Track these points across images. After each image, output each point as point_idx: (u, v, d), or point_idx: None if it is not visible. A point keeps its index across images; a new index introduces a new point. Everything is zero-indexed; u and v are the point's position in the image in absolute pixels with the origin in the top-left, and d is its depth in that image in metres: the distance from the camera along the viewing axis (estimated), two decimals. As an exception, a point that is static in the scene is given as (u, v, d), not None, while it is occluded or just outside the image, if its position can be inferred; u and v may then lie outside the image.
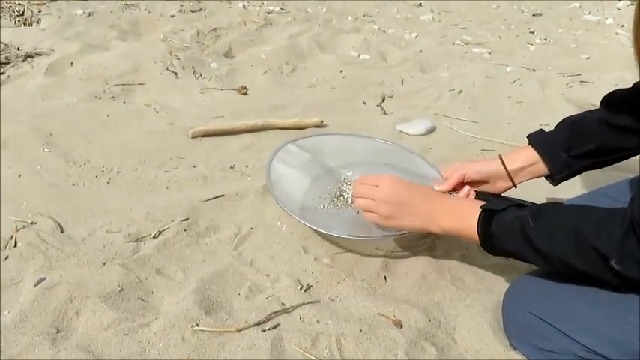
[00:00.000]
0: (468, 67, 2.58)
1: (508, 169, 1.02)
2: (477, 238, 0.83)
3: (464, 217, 0.84)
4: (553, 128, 1.02)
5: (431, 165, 1.18)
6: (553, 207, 0.80)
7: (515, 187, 1.05)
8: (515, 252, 0.82)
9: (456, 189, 1.05)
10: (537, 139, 1.01)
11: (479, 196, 1.03)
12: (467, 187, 1.04)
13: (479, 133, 1.84)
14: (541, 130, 1.04)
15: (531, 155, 1.01)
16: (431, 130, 1.83)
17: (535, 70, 2.53)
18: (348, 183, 1.08)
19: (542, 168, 1.00)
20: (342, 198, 1.07)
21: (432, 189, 0.93)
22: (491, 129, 1.87)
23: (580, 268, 0.73)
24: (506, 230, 0.80)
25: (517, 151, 1.04)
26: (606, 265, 0.69)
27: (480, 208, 0.84)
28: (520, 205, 0.84)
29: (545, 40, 3.13)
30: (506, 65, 2.58)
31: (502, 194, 1.06)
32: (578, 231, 0.72)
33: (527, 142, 1.04)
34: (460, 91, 2.23)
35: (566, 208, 0.78)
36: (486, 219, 0.82)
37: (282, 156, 1.19)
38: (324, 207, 1.06)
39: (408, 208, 0.88)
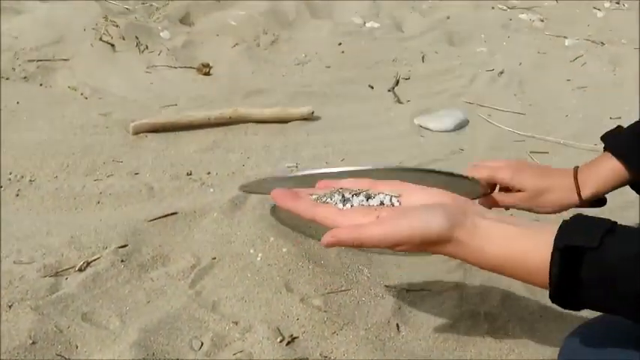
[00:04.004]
0: (512, 39, 2.61)
1: (582, 195, 1.03)
2: (542, 281, 0.73)
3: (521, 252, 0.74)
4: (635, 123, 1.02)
5: None
6: None
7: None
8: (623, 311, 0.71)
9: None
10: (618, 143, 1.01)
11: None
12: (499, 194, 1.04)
13: (527, 128, 1.86)
14: (619, 127, 1.04)
15: (614, 169, 1.01)
16: (462, 125, 1.85)
17: (604, 44, 2.56)
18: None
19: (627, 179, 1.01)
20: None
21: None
22: (545, 123, 1.89)
23: None
24: (610, 277, 0.68)
25: (596, 163, 1.04)
26: None
27: (557, 245, 0.71)
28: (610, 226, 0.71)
29: (618, 3, 3.17)
30: (565, 37, 2.61)
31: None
32: None
33: (604, 147, 1.04)
34: (502, 72, 2.25)
35: None
36: (571, 261, 0.70)
37: None
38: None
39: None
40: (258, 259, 1.18)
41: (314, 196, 0.83)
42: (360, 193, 0.82)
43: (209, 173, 1.47)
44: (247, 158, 1.56)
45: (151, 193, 1.39)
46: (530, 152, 1.72)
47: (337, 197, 0.81)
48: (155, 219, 1.27)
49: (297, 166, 1.53)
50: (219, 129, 1.67)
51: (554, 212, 1.05)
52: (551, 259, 0.70)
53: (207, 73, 2.04)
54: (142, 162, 1.50)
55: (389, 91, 2.06)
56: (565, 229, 0.71)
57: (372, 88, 2.08)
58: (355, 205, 0.80)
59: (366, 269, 1.18)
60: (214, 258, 1.19)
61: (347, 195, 0.81)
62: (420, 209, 0.76)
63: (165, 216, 1.29)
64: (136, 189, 1.39)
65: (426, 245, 0.76)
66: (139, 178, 1.43)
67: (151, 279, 1.14)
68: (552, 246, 0.70)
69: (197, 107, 1.78)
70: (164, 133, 1.62)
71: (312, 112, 1.80)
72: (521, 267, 0.73)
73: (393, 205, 0.79)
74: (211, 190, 1.41)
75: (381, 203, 0.79)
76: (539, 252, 0.71)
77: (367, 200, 0.81)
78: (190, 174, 1.46)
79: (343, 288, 1.12)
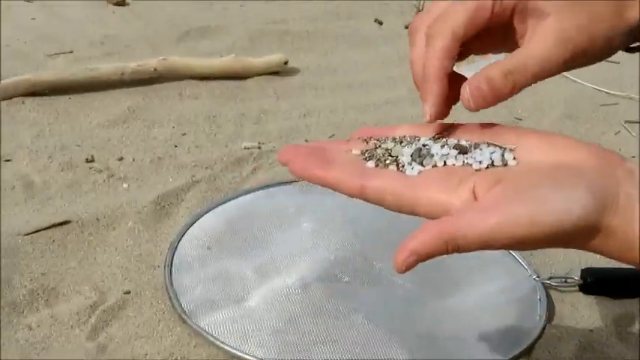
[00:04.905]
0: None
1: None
2: None
3: None
4: None
5: None
6: None
7: None
8: None
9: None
10: None
11: None
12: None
13: (623, 86, 1.86)
14: None
15: None
16: (520, 80, 1.84)
17: None
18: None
19: None
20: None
21: None
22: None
23: None
24: None
25: None
26: None
27: None
28: None
29: None
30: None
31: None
32: None
33: None
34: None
35: None
36: None
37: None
38: None
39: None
40: (197, 292, 1.18)
41: (355, 151, 0.75)
42: (443, 143, 0.72)
43: (121, 159, 1.47)
44: (182, 135, 1.56)
45: (29, 190, 1.38)
46: (626, 122, 1.73)
47: (406, 152, 0.71)
48: (36, 231, 1.27)
49: (259, 147, 1.52)
50: (139, 90, 1.67)
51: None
52: None
53: (122, 3, 2.03)
54: (15, 143, 1.49)
55: (406, 27, 2.05)
56: None
57: (380, 23, 2.08)
58: (438, 164, 0.71)
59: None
60: (127, 292, 1.18)
61: (423, 146, 0.72)
62: (546, 181, 0.68)
63: (52, 227, 1.28)
64: (8, 185, 1.39)
65: (558, 241, 0.69)
66: (11, 168, 1.43)
67: (28, 326, 1.13)
68: None
69: (104, 56, 1.78)
70: (51, 97, 1.62)
71: (286, 63, 1.80)
72: None
73: (506, 165, 0.70)
74: (125, 185, 1.41)
75: (492, 164, 0.70)
76: None
77: (462, 155, 0.71)
78: (92, 160, 1.46)
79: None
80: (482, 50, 0.83)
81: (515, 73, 0.76)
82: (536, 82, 0.78)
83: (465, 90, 0.76)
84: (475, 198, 0.67)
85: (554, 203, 0.65)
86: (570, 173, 0.67)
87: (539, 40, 0.78)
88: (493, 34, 0.81)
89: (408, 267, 0.66)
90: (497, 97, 0.76)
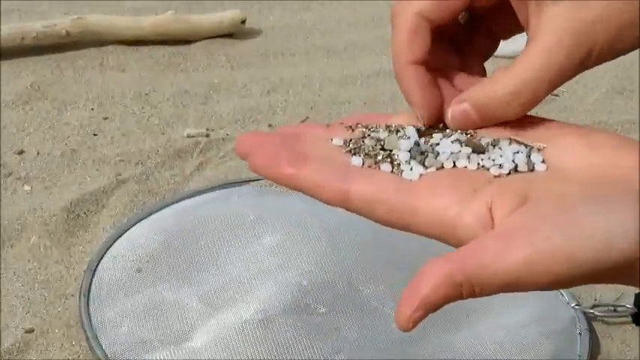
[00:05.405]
0: None
1: None
2: None
3: None
4: None
5: None
6: None
7: None
8: None
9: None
10: None
11: None
12: None
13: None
14: None
15: None
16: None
17: None
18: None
19: None
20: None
21: None
22: None
23: None
24: None
25: None
26: None
27: None
28: None
29: None
30: None
31: None
32: None
33: None
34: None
35: None
36: None
37: None
38: None
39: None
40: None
41: (337, 141, 0.74)
42: (454, 138, 0.72)
43: (22, 153, 1.47)
44: (104, 119, 1.56)
45: None
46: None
47: (403, 146, 0.70)
48: None
49: (207, 135, 1.51)
50: (46, 59, 1.68)
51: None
52: None
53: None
54: None
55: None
56: None
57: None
58: (445, 165, 0.70)
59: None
60: (30, 330, 1.19)
61: (426, 139, 0.72)
62: (584, 200, 0.68)
63: None
64: None
65: (601, 278, 0.67)
66: None
67: None
68: None
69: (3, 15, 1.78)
70: None
71: (243, 22, 1.81)
72: None
73: (532, 171, 0.69)
74: (26, 187, 1.41)
75: (515, 169, 0.69)
76: None
77: (477, 155, 0.70)
78: (-17, 156, 1.46)
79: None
80: (506, 34, 0.82)
81: (522, 96, 0.74)
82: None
83: (447, 115, 0.76)
84: (492, 218, 0.66)
85: (596, 232, 0.64)
86: (614, 189, 0.67)
87: (550, 38, 0.75)
88: (509, 13, 0.78)
89: (416, 323, 0.64)
90: (493, 122, 0.75)
